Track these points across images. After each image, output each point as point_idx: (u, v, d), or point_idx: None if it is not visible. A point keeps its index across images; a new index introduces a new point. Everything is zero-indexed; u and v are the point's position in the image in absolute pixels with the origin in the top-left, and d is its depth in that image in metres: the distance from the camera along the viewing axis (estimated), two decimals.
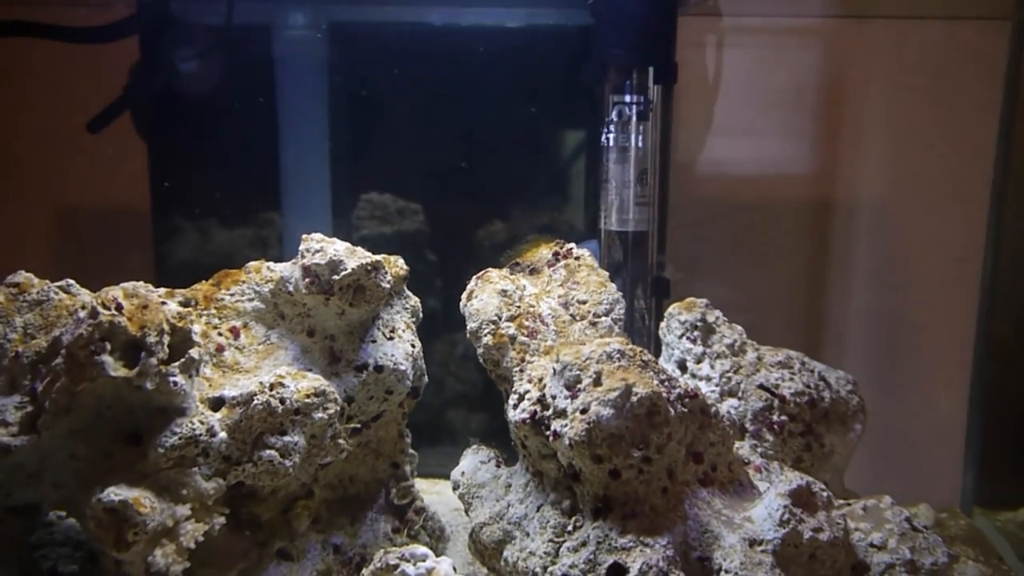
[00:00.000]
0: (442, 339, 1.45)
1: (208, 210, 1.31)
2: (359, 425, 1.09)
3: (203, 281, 1.10)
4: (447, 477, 1.26)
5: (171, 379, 0.95)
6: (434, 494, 1.31)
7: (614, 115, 1.22)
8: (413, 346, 1.13)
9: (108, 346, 0.92)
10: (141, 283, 0.98)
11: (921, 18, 1.50)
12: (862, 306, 1.59)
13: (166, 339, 0.95)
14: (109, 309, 0.93)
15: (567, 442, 0.92)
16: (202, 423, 0.96)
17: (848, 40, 1.55)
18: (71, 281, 1.02)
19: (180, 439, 0.94)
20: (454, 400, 1.52)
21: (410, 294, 1.16)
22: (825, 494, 0.94)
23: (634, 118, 1.21)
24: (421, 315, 1.17)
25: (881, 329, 1.58)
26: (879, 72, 1.56)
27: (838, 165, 1.60)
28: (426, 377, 1.16)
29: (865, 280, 1.58)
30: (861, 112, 1.58)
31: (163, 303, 0.98)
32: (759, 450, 1.07)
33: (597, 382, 0.93)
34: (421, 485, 1.23)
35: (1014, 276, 1.38)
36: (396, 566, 0.91)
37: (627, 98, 1.21)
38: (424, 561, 0.92)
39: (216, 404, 0.99)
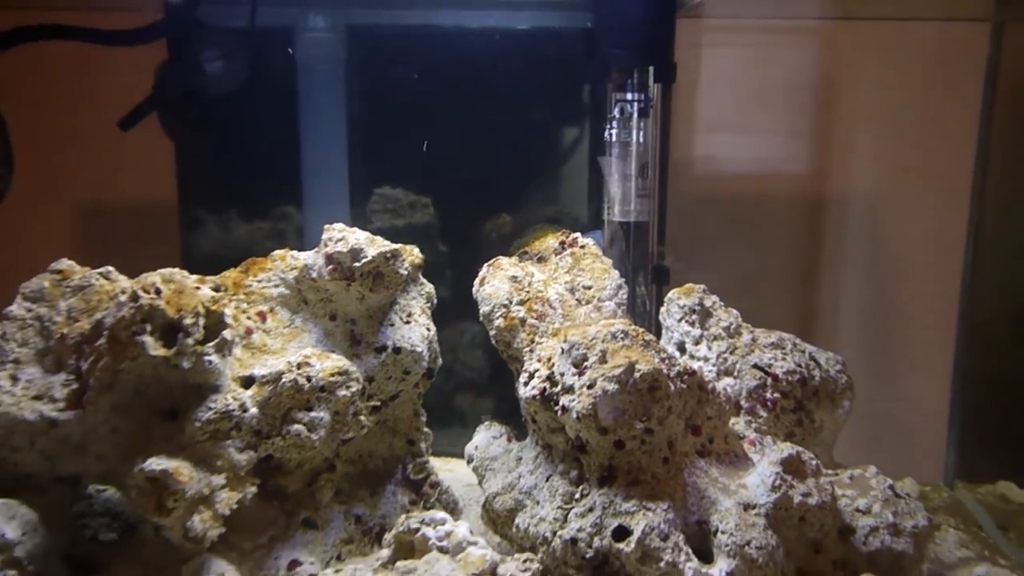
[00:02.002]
0: (450, 327, 1.51)
1: (232, 204, 1.38)
2: (379, 403, 1.16)
3: (231, 269, 1.17)
4: (458, 456, 1.34)
5: (206, 358, 1.02)
6: (446, 471, 1.37)
7: (616, 112, 1.29)
8: (428, 329, 1.20)
9: (148, 327, 0.99)
10: (177, 270, 1.05)
11: (908, 19, 1.57)
12: (852, 294, 1.66)
13: (201, 321, 1.02)
14: (149, 293, 1.00)
15: (575, 415, 0.99)
16: (235, 399, 1.03)
17: (838, 40, 1.62)
18: (111, 268, 1.09)
19: (215, 414, 1.01)
20: (463, 385, 1.58)
21: (425, 281, 1.23)
22: (814, 462, 1.01)
23: (635, 115, 1.28)
24: (435, 301, 1.24)
25: (870, 316, 1.65)
26: (869, 71, 1.63)
27: (830, 161, 1.67)
28: (440, 359, 1.23)
29: (855, 270, 1.65)
30: (852, 110, 1.64)
31: (197, 288, 1.05)
32: (753, 425, 1.14)
33: (603, 360, 1.00)
34: (434, 463, 1.30)
35: (993, 267, 1.45)
36: (417, 529, 0.98)
37: (629, 96, 1.28)
38: (443, 525, 0.99)
39: (247, 382, 1.06)
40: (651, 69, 1.29)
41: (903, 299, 1.65)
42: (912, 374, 1.64)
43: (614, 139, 1.30)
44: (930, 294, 1.61)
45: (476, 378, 1.58)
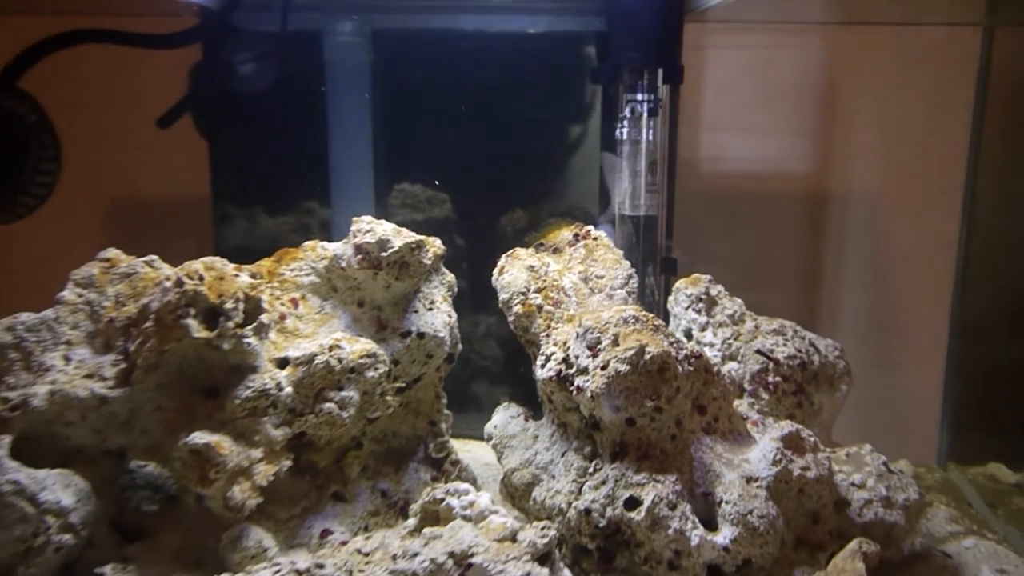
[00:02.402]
0: (466, 319, 1.58)
1: (262, 199, 1.45)
2: (403, 385, 1.24)
3: (265, 258, 1.24)
4: (475, 439, 1.41)
5: (245, 340, 1.09)
6: (464, 452, 1.44)
7: (627, 112, 1.36)
8: (450, 316, 1.26)
9: (192, 311, 1.07)
10: (218, 258, 1.13)
11: (906, 24, 1.63)
12: (852, 287, 1.73)
13: (241, 306, 1.10)
14: (193, 279, 1.07)
15: (589, 394, 1.06)
16: (271, 379, 1.10)
17: (839, 44, 1.69)
18: (154, 257, 1.17)
19: (253, 392, 1.09)
20: (478, 373, 1.64)
21: (446, 271, 1.29)
22: (812, 439, 1.08)
23: (645, 114, 1.35)
24: (456, 289, 1.31)
25: (869, 308, 1.72)
26: (869, 73, 1.70)
27: (831, 159, 1.74)
28: (460, 345, 1.30)
29: (855, 263, 1.72)
30: (852, 110, 1.71)
31: (236, 275, 1.12)
32: (756, 407, 1.21)
33: (615, 343, 1.07)
34: (452, 444, 1.37)
35: (985, 263, 1.52)
36: (442, 499, 1.05)
37: (639, 96, 1.35)
38: (467, 495, 1.05)
39: (282, 363, 1.13)
40: (660, 71, 1.36)
41: (900, 292, 1.72)
42: (908, 363, 1.71)
43: (625, 137, 1.37)
44: (926, 288, 1.68)
45: (490, 366, 1.64)
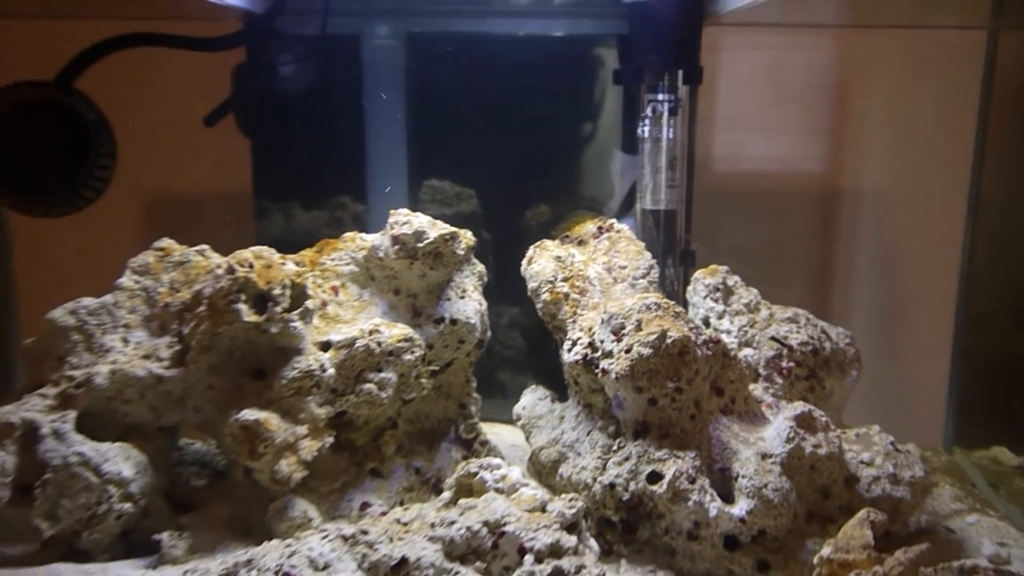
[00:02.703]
0: (491, 310, 1.64)
1: (300, 195, 1.53)
2: (436, 369, 1.31)
3: (307, 248, 1.31)
4: (500, 422, 1.48)
5: (291, 324, 1.17)
6: (492, 434, 1.51)
7: (648, 111, 1.43)
8: (480, 304, 1.34)
9: (242, 297, 1.14)
10: (265, 248, 1.20)
11: (916, 27, 1.70)
12: (862, 281, 1.79)
13: (287, 292, 1.17)
14: (243, 267, 1.15)
15: (613, 376, 1.13)
16: (316, 360, 1.18)
17: (851, 46, 1.75)
18: (205, 246, 1.24)
19: (299, 373, 1.16)
20: (502, 362, 1.71)
21: (477, 261, 1.36)
22: (824, 419, 1.15)
23: (665, 113, 1.42)
24: (486, 279, 1.37)
25: (879, 301, 1.79)
26: (880, 75, 1.76)
27: (843, 157, 1.80)
28: (489, 331, 1.37)
29: (865, 258, 1.79)
30: (863, 110, 1.78)
31: (283, 264, 1.20)
32: (770, 391, 1.27)
33: (638, 328, 1.14)
34: (481, 426, 1.44)
35: (988, 258, 1.59)
36: (476, 473, 1.13)
37: (660, 96, 1.42)
38: (499, 469, 1.13)
39: (325, 346, 1.20)
40: (680, 72, 1.43)
41: (909, 285, 1.78)
42: (916, 354, 1.77)
43: (646, 135, 1.44)
44: (933, 281, 1.74)
45: (514, 356, 1.71)
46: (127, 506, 1.11)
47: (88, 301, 1.18)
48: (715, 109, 1.75)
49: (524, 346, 1.69)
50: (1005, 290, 1.63)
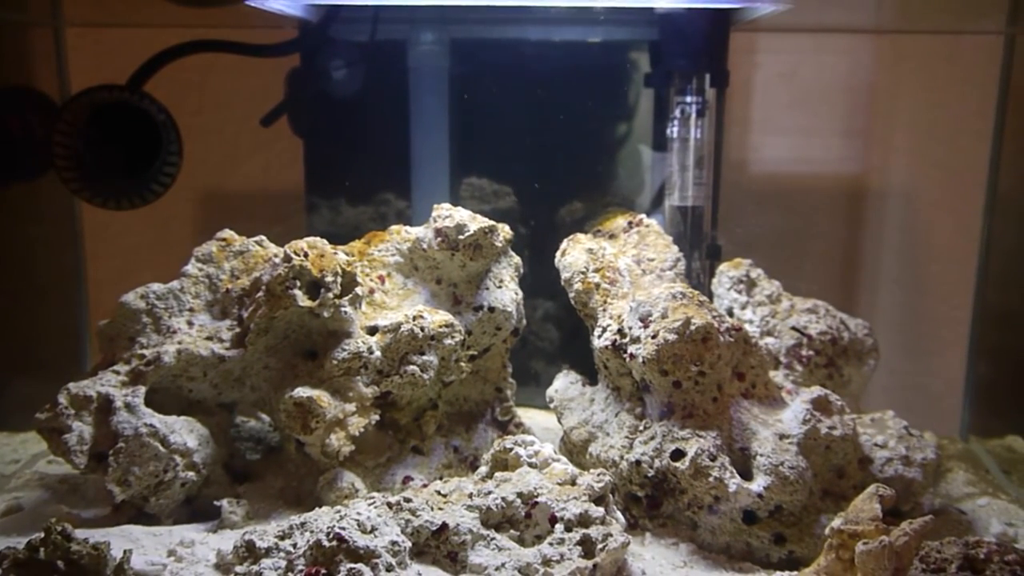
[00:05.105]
0: (526, 304, 1.72)
1: (349, 191, 1.63)
2: (475, 354, 1.39)
3: (356, 240, 1.41)
4: (534, 407, 1.56)
5: (342, 309, 1.26)
6: (526, 418, 1.59)
7: (677, 112, 1.51)
8: (516, 294, 1.42)
9: (298, 283, 1.24)
10: (318, 238, 1.29)
11: (939, 32, 1.75)
12: (886, 276, 1.85)
13: (339, 279, 1.26)
14: (299, 256, 1.24)
15: (641, 360, 1.21)
16: (364, 343, 1.27)
17: (876, 51, 1.81)
18: (263, 237, 1.34)
19: (349, 354, 1.25)
20: (536, 352, 1.79)
21: (513, 253, 1.44)
22: (839, 403, 1.21)
23: (694, 115, 1.50)
24: (522, 270, 1.46)
25: (902, 295, 1.85)
26: (909, 78, 1.82)
27: (869, 157, 1.86)
28: (525, 320, 1.45)
29: (888, 255, 1.85)
30: (888, 112, 1.84)
31: (335, 253, 1.29)
32: (790, 378, 1.34)
33: (664, 315, 1.22)
34: (516, 410, 1.52)
35: (1007, 255, 1.64)
36: (511, 449, 1.21)
37: (688, 99, 1.49)
38: (532, 445, 1.21)
39: (372, 331, 1.29)
40: (708, 75, 1.51)
41: (928, 280, 1.84)
42: (936, 346, 1.83)
43: (675, 136, 1.52)
44: (952, 277, 1.79)
45: (547, 348, 1.79)
46: (191, 474, 1.21)
47: (156, 286, 1.28)
48: (744, 111, 1.82)
49: (557, 337, 1.77)
50: (1021, 285, 1.69)
